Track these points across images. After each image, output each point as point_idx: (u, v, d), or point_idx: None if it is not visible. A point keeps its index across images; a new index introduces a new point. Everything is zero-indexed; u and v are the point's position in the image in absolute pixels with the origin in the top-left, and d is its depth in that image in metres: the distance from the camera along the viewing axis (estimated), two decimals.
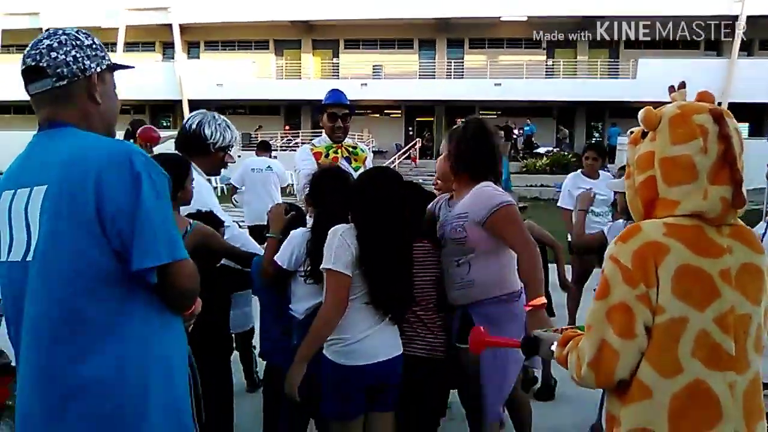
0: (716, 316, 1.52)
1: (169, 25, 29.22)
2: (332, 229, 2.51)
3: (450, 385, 3.11)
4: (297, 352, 2.49)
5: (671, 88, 1.73)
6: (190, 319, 1.93)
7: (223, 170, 3.43)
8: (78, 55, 1.69)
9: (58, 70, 1.67)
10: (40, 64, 1.66)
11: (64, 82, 1.68)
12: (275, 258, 2.75)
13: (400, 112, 31.76)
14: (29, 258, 1.59)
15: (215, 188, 21.12)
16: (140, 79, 28.44)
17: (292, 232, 2.81)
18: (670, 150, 1.59)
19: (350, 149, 4.22)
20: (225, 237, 3.03)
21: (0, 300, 1.73)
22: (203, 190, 3.05)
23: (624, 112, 25.35)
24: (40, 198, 1.58)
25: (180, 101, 28.13)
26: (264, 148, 8.50)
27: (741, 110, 25.68)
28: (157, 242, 1.58)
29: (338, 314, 2.46)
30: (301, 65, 31.42)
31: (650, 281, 1.52)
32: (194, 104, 27.55)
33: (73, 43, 1.69)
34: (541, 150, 26.10)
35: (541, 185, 22.26)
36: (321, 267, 2.46)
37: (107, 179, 1.55)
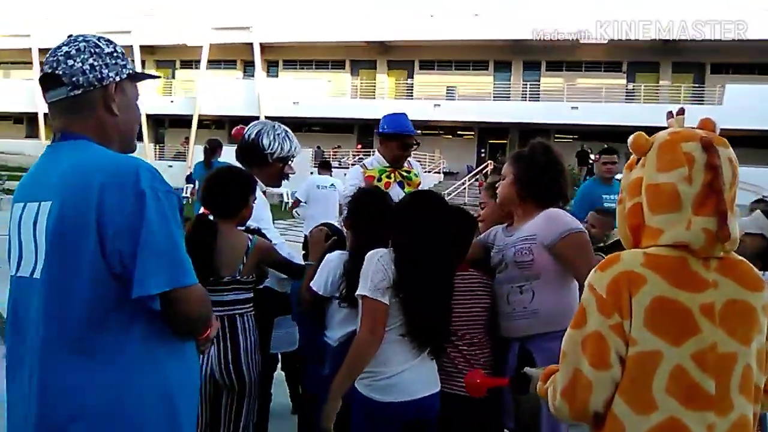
0: (694, 353, 1.45)
1: (251, 44, 30.18)
2: (370, 253, 2.39)
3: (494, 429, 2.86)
4: (331, 385, 2.37)
5: (669, 114, 1.70)
6: (204, 344, 1.83)
7: (284, 182, 3.37)
8: (96, 63, 1.62)
9: (74, 79, 1.60)
10: (57, 71, 1.60)
11: (79, 92, 1.61)
12: (311, 284, 2.67)
13: (473, 133, 31.49)
14: (36, 275, 1.54)
15: (285, 203, 21.52)
16: (221, 95, 29.71)
17: (327, 255, 2.75)
18: (656, 177, 1.55)
19: (404, 174, 4.10)
20: None
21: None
22: (258, 204, 3.00)
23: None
24: (46, 214, 1.53)
25: (258, 117, 28.84)
26: (326, 167, 9.22)
27: None
28: (160, 267, 1.48)
29: (374, 345, 2.32)
30: (376, 85, 31.80)
31: (624, 312, 1.48)
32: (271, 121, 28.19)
33: (92, 50, 1.63)
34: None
35: None
36: (356, 293, 2.35)
37: (109, 198, 1.48)
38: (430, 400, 2.40)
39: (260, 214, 2.99)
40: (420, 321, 2.36)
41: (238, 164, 3.14)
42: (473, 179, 25.37)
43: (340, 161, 27.77)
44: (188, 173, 26.54)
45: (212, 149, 10.04)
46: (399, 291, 2.33)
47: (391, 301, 2.32)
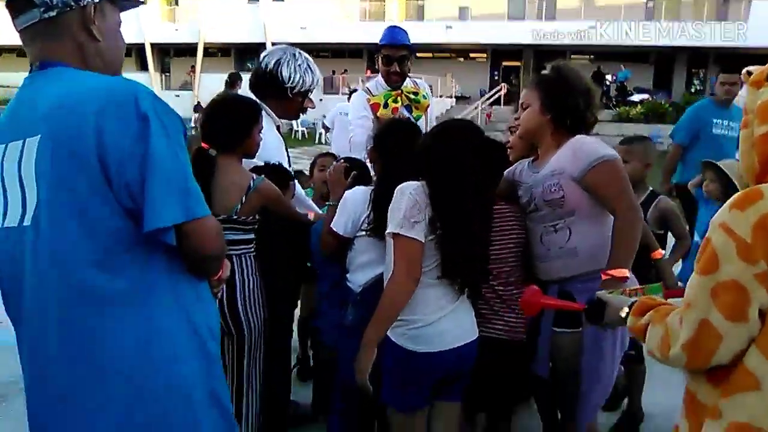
0: None
1: None
2: (400, 186, 2.15)
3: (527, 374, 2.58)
4: (364, 334, 2.16)
5: None
6: (218, 285, 1.70)
7: (302, 115, 3.09)
8: None
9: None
10: None
11: (54, 13, 1.42)
12: (331, 225, 2.44)
13: (485, 55, 30.65)
14: (26, 222, 1.38)
15: (296, 131, 21.23)
16: (226, 22, 28.91)
17: (347, 192, 2.49)
18: None
19: (411, 96, 3.72)
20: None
21: None
22: (271, 143, 2.71)
23: (731, 59, 23.37)
24: (33, 151, 1.36)
25: (264, 44, 28.17)
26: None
27: None
28: (172, 195, 1.34)
29: (411, 288, 2.09)
30: (385, 7, 30.65)
31: None
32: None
33: None
34: (636, 98, 24.57)
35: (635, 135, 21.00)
36: (387, 231, 2.12)
37: (109, 124, 1.32)
38: (469, 348, 2.20)
39: (273, 154, 2.72)
40: (459, 261, 2.13)
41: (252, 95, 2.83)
42: (486, 103, 24.78)
43: (350, 86, 27.18)
44: (196, 102, 26.24)
45: (232, 82, 10.98)
46: (435, 227, 2.09)
47: (426, 239, 2.09)
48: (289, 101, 2.85)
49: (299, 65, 2.79)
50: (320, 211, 2.83)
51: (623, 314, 1.57)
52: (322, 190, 3.40)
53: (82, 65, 1.47)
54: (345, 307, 2.45)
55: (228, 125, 2.43)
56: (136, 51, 31.72)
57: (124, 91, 1.36)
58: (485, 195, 2.23)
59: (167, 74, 32.56)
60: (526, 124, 2.44)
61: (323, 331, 2.75)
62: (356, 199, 2.43)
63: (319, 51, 31.00)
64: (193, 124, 24.34)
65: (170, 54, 34.12)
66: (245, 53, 32.66)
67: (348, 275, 2.51)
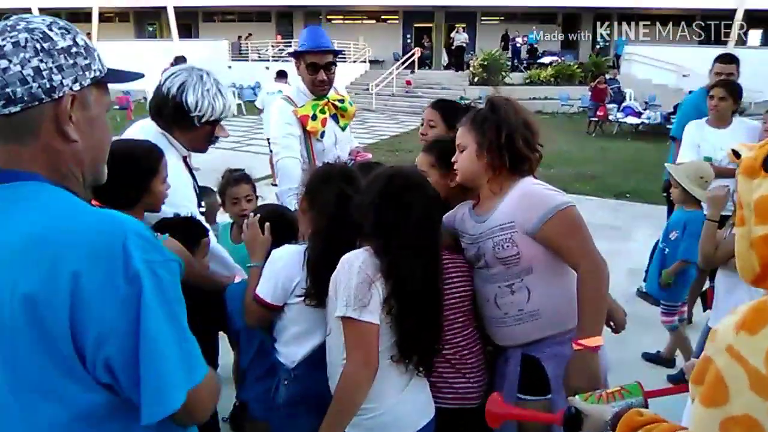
0: None
1: None
2: (346, 259, 1.87)
3: None
4: None
5: None
6: None
7: (212, 146, 2.60)
8: (43, 67, 1.10)
9: (9, 90, 1.08)
10: None
11: (16, 108, 1.09)
12: (257, 292, 2.10)
13: (397, 17, 30.27)
14: None
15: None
16: None
17: (275, 252, 2.15)
18: None
19: (337, 104, 3.39)
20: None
21: None
22: (177, 184, 2.31)
23: (633, 18, 24.10)
24: None
25: (165, 8, 26.62)
26: (282, 76, 10.42)
27: (755, 17, 24.54)
28: (175, 373, 1.09)
29: (370, 378, 1.83)
30: None
31: None
32: (180, 11, 26.19)
33: (38, 46, 1.10)
34: (545, 60, 25.01)
35: (545, 98, 21.38)
36: (337, 315, 1.83)
37: (88, 287, 1.02)
38: (428, 428, 1.99)
39: (179, 199, 2.32)
40: (416, 340, 1.88)
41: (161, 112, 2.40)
42: (401, 67, 24.55)
43: (259, 53, 26.27)
44: None
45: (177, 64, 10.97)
46: (390, 305, 1.83)
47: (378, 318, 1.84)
48: (197, 131, 2.44)
49: (207, 90, 2.38)
50: (244, 273, 2.41)
51: (606, 427, 1.41)
52: (240, 222, 3.01)
53: (53, 174, 1.14)
54: (275, 383, 2.15)
55: (118, 183, 2.03)
56: None
57: (111, 240, 1.06)
58: (440, 257, 1.99)
59: None
60: (464, 170, 2.14)
61: (251, 404, 2.41)
62: (287, 260, 2.09)
63: (224, 14, 29.86)
64: None
65: (61, 18, 31.65)
66: (145, 17, 30.89)
67: (277, 347, 2.17)
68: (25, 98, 1.08)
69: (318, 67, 3.20)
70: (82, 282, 1.02)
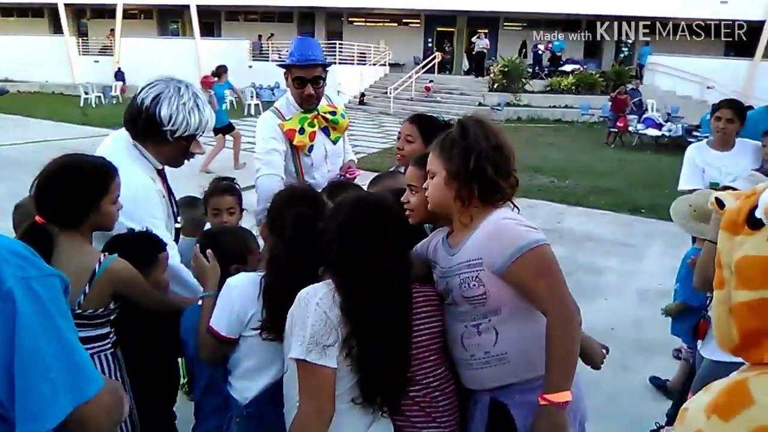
0: None
1: None
2: (303, 295, 1.72)
3: None
4: None
5: None
6: None
7: (187, 161, 2.48)
8: None
9: None
10: None
11: None
12: (211, 324, 1.98)
13: (419, 21, 30.15)
14: None
15: (225, 101, 20.44)
16: None
17: (230, 281, 2.01)
18: None
19: (328, 116, 3.24)
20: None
21: None
22: (144, 199, 2.22)
23: (661, 29, 23.73)
24: None
25: (188, 6, 26.77)
26: None
27: None
28: (54, 390, 1.04)
29: (323, 425, 1.66)
30: None
31: None
32: (203, 10, 26.34)
33: None
34: (567, 68, 24.74)
35: (566, 106, 21.20)
36: (291, 356, 1.69)
37: None
38: None
39: (142, 213, 2.21)
40: (378, 378, 1.72)
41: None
42: (422, 71, 24.44)
43: (279, 53, 26.29)
44: (116, 68, 24.83)
45: (217, 75, 11.65)
46: (351, 345, 1.68)
47: (337, 360, 1.69)
48: (170, 146, 2.32)
49: (183, 104, 2.26)
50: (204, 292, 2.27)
51: None
52: None
53: None
54: (226, 420, 2.05)
55: (64, 201, 1.94)
56: (49, 11, 29.67)
57: None
58: (410, 290, 1.85)
59: (84, 38, 30.50)
60: (433, 199, 1.99)
61: None
62: (242, 289, 1.96)
63: (247, 13, 29.95)
64: (114, 93, 23.18)
65: (87, 15, 32.03)
66: (168, 15, 31.09)
67: (231, 380, 2.06)
68: None
69: (305, 81, 3.08)
70: None
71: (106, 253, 2.02)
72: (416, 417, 1.93)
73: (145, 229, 2.19)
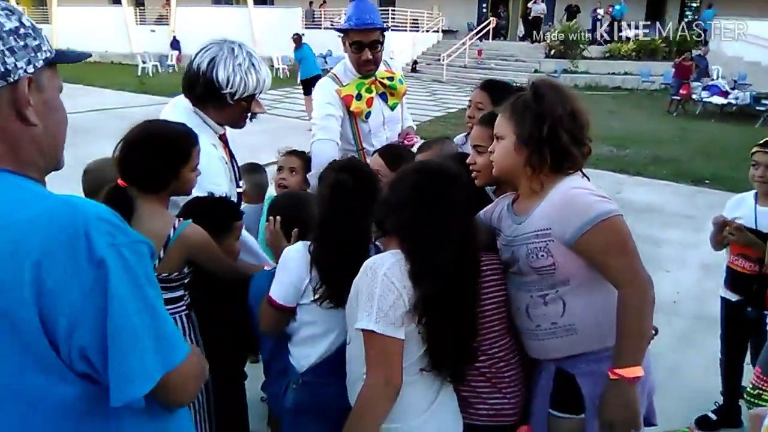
0: None
1: None
2: (369, 265, 1.69)
3: None
4: None
5: None
6: None
7: (251, 122, 2.48)
8: None
9: None
10: None
11: None
12: (270, 294, 1.98)
13: None
14: None
15: (276, 69, 20.61)
16: None
17: (285, 251, 2.02)
18: None
19: (386, 82, 3.20)
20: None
21: None
22: (208, 167, 2.21)
23: None
24: None
25: None
26: None
27: None
28: (144, 356, 1.06)
29: (392, 397, 1.66)
30: None
31: None
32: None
33: None
34: (629, 33, 23.80)
35: (625, 73, 20.47)
36: (358, 327, 1.67)
37: (52, 276, 1.00)
38: None
39: (209, 180, 2.22)
40: (449, 347, 1.71)
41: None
42: (475, 38, 23.95)
43: (332, 21, 26.14)
44: (172, 38, 25.21)
45: (297, 42, 13.85)
46: (420, 314, 1.66)
47: (405, 331, 1.67)
48: (231, 108, 2.32)
49: (239, 64, 2.25)
50: (272, 262, 2.28)
51: None
52: (278, 191, 2.97)
53: (13, 161, 1.11)
54: (285, 385, 2.06)
55: (148, 167, 1.98)
56: None
57: (72, 225, 1.03)
58: (478, 258, 1.82)
59: (141, 8, 30.98)
60: (500, 164, 1.94)
61: (270, 399, 2.36)
62: (297, 259, 1.96)
63: None
64: (171, 62, 23.58)
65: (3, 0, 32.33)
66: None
67: (290, 346, 2.07)
68: None
69: (362, 45, 3.03)
70: (45, 271, 0.99)
71: (181, 219, 2.05)
72: (482, 387, 1.92)
73: (224, 195, 2.21)
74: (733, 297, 3.22)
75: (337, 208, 1.90)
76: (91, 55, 1.29)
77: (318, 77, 12.32)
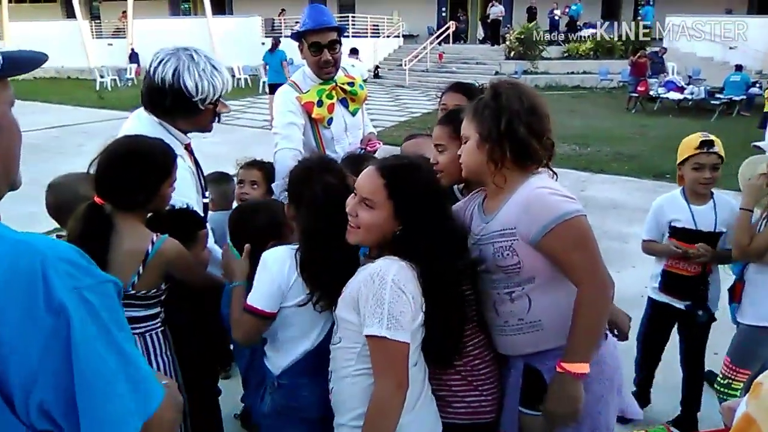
0: None
1: None
2: (373, 271, 1.70)
3: None
4: None
5: None
6: None
7: (216, 123, 2.47)
8: None
9: None
10: None
11: None
12: (249, 302, 1.92)
13: None
14: None
15: (238, 79, 20.43)
16: None
17: (265, 254, 1.96)
18: None
19: (347, 87, 3.20)
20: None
21: None
22: (180, 179, 2.18)
23: None
24: None
25: None
26: (354, 52, 11.84)
27: None
28: (121, 406, 0.95)
29: (403, 398, 1.67)
30: None
31: None
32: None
33: None
34: (585, 33, 24.25)
35: (584, 72, 20.83)
36: (368, 334, 1.67)
37: (6, 321, 0.90)
38: None
39: (181, 190, 2.19)
40: (442, 347, 1.78)
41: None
42: (435, 42, 24.12)
43: (291, 29, 26.08)
44: (130, 50, 24.81)
45: (273, 48, 14.69)
46: (428, 314, 1.74)
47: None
48: (202, 114, 2.32)
49: (203, 70, 2.24)
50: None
51: None
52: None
53: None
54: (262, 391, 2.04)
55: (129, 185, 1.95)
56: None
57: (28, 267, 0.93)
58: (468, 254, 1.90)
59: (97, 21, 30.46)
60: (467, 164, 1.97)
61: (250, 408, 2.38)
62: (280, 263, 1.92)
63: None
64: (129, 76, 23.20)
65: None
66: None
67: (266, 351, 2.05)
68: None
69: (321, 46, 3.03)
70: None
71: (158, 234, 2.01)
72: (458, 386, 1.94)
73: (184, 206, 2.19)
74: (675, 302, 3.17)
75: (333, 213, 1.86)
76: (48, 57, 1.14)
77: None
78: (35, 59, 1.10)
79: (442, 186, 1.93)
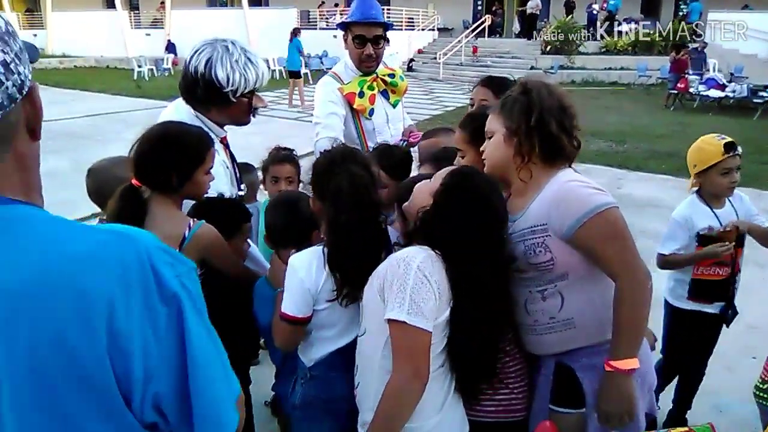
0: None
1: None
2: (399, 257, 1.69)
3: None
4: None
5: None
6: None
7: (254, 117, 2.44)
8: (8, 59, 0.87)
9: None
10: None
11: None
12: (282, 310, 1.90)
13: None
14: None
15: (272, 71, 20.66)
16: None
17: (291, 259, 1.93)
18: None
19: (387, 79, 3.18)
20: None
21: None
22: (214, 171, 2.17)
23: None
24: None
25: None
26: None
27: None
28: (224, 400, 0.99)
29: (420, 389, 1.63)
30: None
31: None
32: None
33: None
34: (624, 28, 23.79)
35: (622, 68, 20.47)
36: (388, 317, 1.64)
37: (124, 315, 0.87)
38: None
39: (214, 183, 2.18)
40: (471, 348, 1.72)
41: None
42: (471, 35, 23.93)
43: (327, 20, 26.13)
44: (167, 41, 25.15)
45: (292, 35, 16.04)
46: (455, 312, 1.70)
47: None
48: (234, 106, 2.30)
49: (236, 61, 2.23)
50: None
51: None
52: None
53: (24, 192, 0.93)
54: (293, 382, 2.04)
55: (163, 167, 1.96)
56: None
57: (136, 260, 0.91)
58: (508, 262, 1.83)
59: (136, 11, 30.95)
60: (491, 158, 1.93)
61: (282, 398, 2.34)
62: (307, 267, 1.89)
63: None
64: (166, 66, 23.52)
65: None
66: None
67: (300, 347, 2.03)
68: (4, 102, 0.86)
69: (365, 40, 3.02)
70: (117, 314, 0.87)
71: (195, 219, 2.02)
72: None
73: (235, 197, 2.20)
74: (706, 307, 3.04)
75: (359, 204, 1.84)
76: (39, 53, 1.08)
77: (297, 73, 15.66)
78: (35, 51, 1.04)
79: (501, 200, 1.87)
